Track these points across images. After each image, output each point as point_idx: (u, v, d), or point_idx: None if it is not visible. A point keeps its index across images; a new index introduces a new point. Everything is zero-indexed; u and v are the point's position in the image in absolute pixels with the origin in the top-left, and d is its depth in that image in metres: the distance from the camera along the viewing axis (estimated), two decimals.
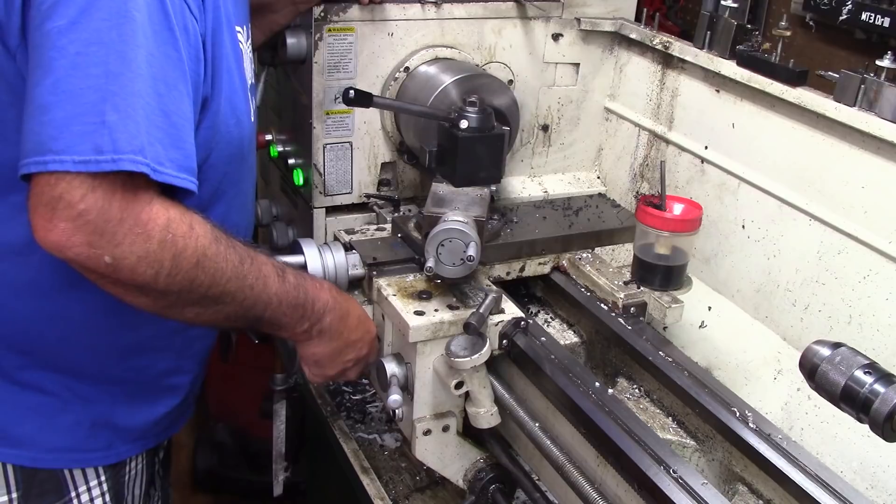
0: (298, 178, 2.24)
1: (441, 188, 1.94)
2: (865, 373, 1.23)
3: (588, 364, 1.99)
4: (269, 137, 2.42)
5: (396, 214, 2.09)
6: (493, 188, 2.00)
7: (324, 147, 2.16)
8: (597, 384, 1.65)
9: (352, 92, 1.80)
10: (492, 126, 1.89)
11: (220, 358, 2.90)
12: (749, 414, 1.56)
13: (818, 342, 1.30)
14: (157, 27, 1.27)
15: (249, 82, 1.62)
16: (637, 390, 1.82)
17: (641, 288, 1.88)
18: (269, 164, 2.56)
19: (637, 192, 2.36)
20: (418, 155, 2.19)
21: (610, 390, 1.67)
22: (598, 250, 2.07)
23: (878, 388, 1.21)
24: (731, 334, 2.01)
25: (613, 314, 1.88)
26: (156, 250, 1.28)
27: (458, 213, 1.80)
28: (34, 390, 1.54)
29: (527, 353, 1.72)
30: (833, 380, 1.25)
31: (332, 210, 2.24)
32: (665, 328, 1.94)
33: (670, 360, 1.73)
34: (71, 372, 1.55)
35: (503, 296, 1.79)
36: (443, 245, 1.72)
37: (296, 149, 2.29)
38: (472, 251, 1.70)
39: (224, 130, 1.50)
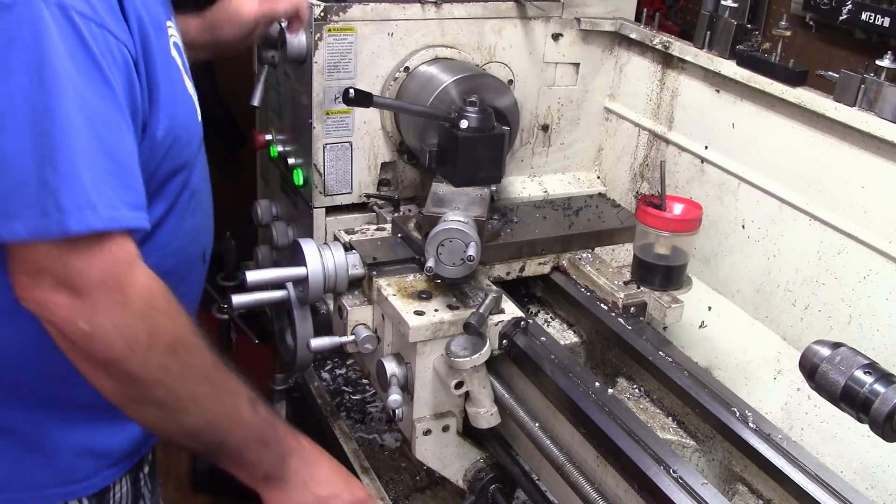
0: (298, 178, 2.23)
1: (441, 188, 1.93)
2: (865, 373, 1.23)
3: (588, 364, 1.99)
4: (269, 137, 2.42)
5: (396, 214, 2.08)
6: (494, 188, 2.00)
7: (324, 147, 2.16)
8: (597, 384, 1.65)
9: (352, 92, 1.80)
10: (492, 126, 1.89)
11: None
12: (749, 414, 1.56)
13: (818, 342, 1.30)
14: (82, 66, 1.19)
15: (189, 85, 1.50)
16: (637, 390, 1.82)
17: (641, 288, 1.88)
18: (269, 163, 2.56)
19: (637, 192, 2.36)
20: (418, 155, 2.19)
21: (610, 390, 1.67)
22: (598, 250, 2.07)
23: (878, 388, 1.21)
24: (731, 334, 2.01)
25: (613, 314, 1.88)
26: (132, 322, 1.22)
27: (458, 213, 1.80)
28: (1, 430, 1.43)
29: (527, 353, 1.72)
30: (833, 380, 1.25)
31: (332, 210, 2.24)
32: (665, 328, 1.94)
33: (670, 360, 1.73)
34: (34, 403, 1.44)
35: (503, 296, 1.79)
36: (443, 245, 1.72)
37: (296, 149, 2.29)
38: (472, 251, 1.70)
39: (168, 143, 1.40)
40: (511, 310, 1.78)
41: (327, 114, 2.13)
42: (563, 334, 2.04)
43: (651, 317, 1.89)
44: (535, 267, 2.03)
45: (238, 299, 1.81)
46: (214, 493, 3.42)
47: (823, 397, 1.29)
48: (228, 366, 1.36)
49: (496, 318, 1.74)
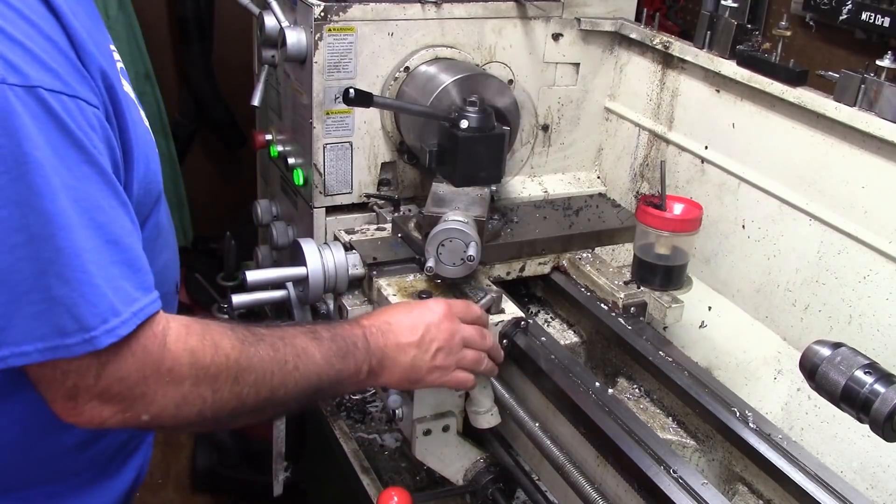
0: (298, 177, 2.23)
1: (441, 188, 1.93)
2: (865, 373, 1.23)
3: (588, 364, 1.99)
4: (269, 137, 2.42)
5: (396, 214, 2.08)
6: (494, 188, 1.99)
7: (324, 147, 2.16)
8: (597, 384, 1.65)
9: (352, 91, 1.80)
10: (492, 126, 1.89)
11: None
12: (749, 414, 1.56)
13: (818, 342, 1.30)
14: (63, 152, 1.08)
15: (142, 114, 1.38)
16: (637, 390, 1.83)
17: (641, 288, 1.88)
18: (270, 163, 2.56)
19: (637, 192, 2.36)
20: (418, 155, 2.19)
21: (610, 390, 1.67)
22: (598, 250, 2.07)
23: (879, 388, 1.21)
24: (731, 334, 2.01)
25: (613, 314, 1.88)
26: (190, 391, 1.20)
27: (458, 213, 1.80)
28: None
29: (527, 353, 1.72)
30: (833, 380, 1.25)
31: (332, 210, 2.24)
32: (665, 328, 1.94)
33: (670, 360, 1.73)
34: (23, 484, 1.36)
35: (503, 296, 1.79)
36: (443, 245, 1.72)
37: (296, 149, 2.29)
38: (472, 251, 1.70)
39: (142, 191, 1.31)
40: (511, 310, 1.78)
41: (327, 114, 2.13)
42: (563, 334, 2.04)
43: (651, 317, 1.89)
44: (536, 267, 2.03)
45: (238, 299, 1.81)
46: (214, 492, 3.42)
47: (823, 397, 1.29)
48: (276, 329, 1.36)
49: (496, 317, 1.74)
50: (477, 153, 1.88)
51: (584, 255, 2.05)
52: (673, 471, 1.43)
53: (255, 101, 2.26)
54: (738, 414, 1.57)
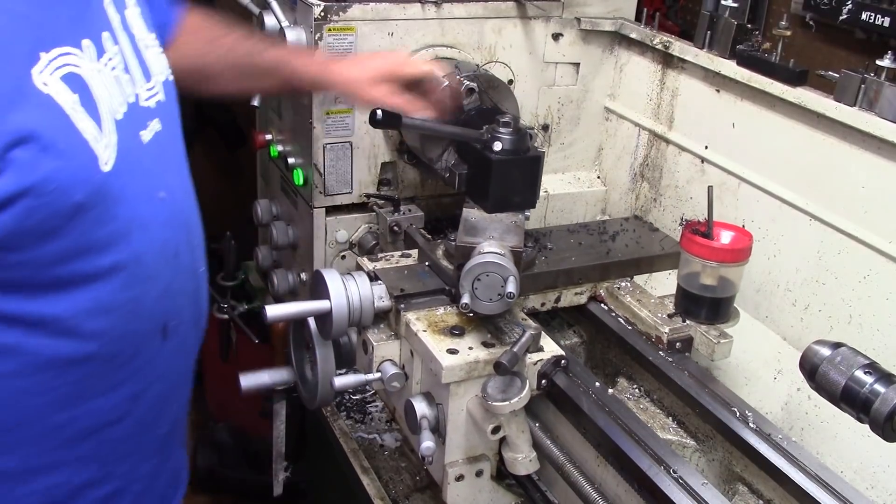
0: (298, 177, 2.24)
1: (472, 214, 1.79)
2: (866, 373, 1.23)
3: (588, 364, 1.99)
4: (269, 137, 2.42)
5: (424, 241, 1.95)
6: (528, 213, 1.85)
7: (324, 147, 2.15)
8: (597, 384, 1.65)
9: (379, 113, 1.66)
10: (526, 148, 1.74)
11: (219, 358, 2.89)
12: (749, 414, 1.56)
13: (818, 342, 1.30)
14: None
15: (115, 117, 1.19)
16: (637, 390, 1.82)
17: (687, 322, 1.77)
18: (269, 163, 2.56)
19: (637, 193, 2.36)
20: (419, 155, 2.19)
21: (610, 390, 1.67)
22: (635, 278, 1.96)
23: (879, 388, 1.22)
24: (731, 334, 2.01)
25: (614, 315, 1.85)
26: None
27: (493, 244, 1.66)
28: None
29: (567, 394, 1.63)
30: (833, 380, 1.25)
31: (332, 210, 2.24)
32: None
33: (670, 360, 1.73)
34: None
35: (542, 332, 1.68)
36: (479, 279, 1.59)
37: (296, 148, 2.29)
38: (511, 287, 1.57)
39: (27, 207, 1.06)
40: (550, 347, 1.67)
41: (327, 114, 2.12)
42: (564, 334, 2.03)
43: (697, 353, 1.77)
44: (572, 297, 1.91)
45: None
46: (214, 493, 3.42)
47: (823, 397, 1.29)
48: None
49: (535, 356, 1.63)
50: (511, 177, 1.73)
51: (623, 283, 1.92)
52: (673, 471, 1.43)
53: (255, 101, 2.26)
54: (738, 414, 1.57)
